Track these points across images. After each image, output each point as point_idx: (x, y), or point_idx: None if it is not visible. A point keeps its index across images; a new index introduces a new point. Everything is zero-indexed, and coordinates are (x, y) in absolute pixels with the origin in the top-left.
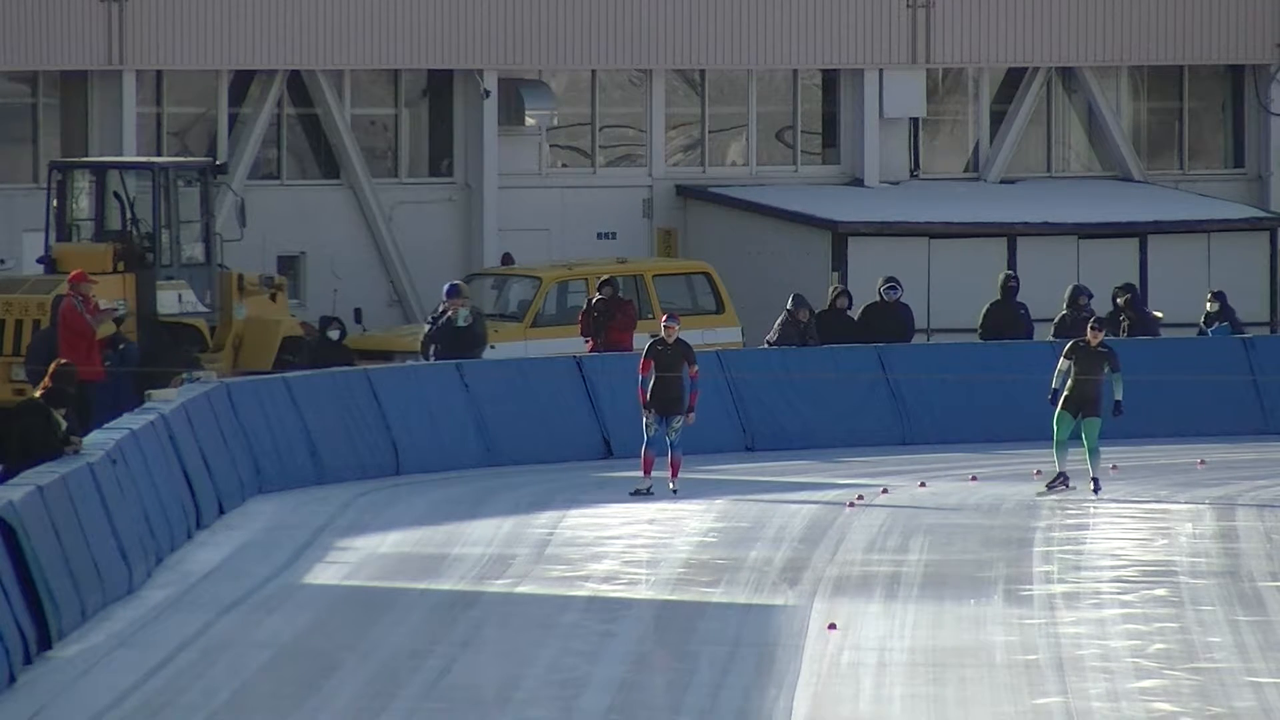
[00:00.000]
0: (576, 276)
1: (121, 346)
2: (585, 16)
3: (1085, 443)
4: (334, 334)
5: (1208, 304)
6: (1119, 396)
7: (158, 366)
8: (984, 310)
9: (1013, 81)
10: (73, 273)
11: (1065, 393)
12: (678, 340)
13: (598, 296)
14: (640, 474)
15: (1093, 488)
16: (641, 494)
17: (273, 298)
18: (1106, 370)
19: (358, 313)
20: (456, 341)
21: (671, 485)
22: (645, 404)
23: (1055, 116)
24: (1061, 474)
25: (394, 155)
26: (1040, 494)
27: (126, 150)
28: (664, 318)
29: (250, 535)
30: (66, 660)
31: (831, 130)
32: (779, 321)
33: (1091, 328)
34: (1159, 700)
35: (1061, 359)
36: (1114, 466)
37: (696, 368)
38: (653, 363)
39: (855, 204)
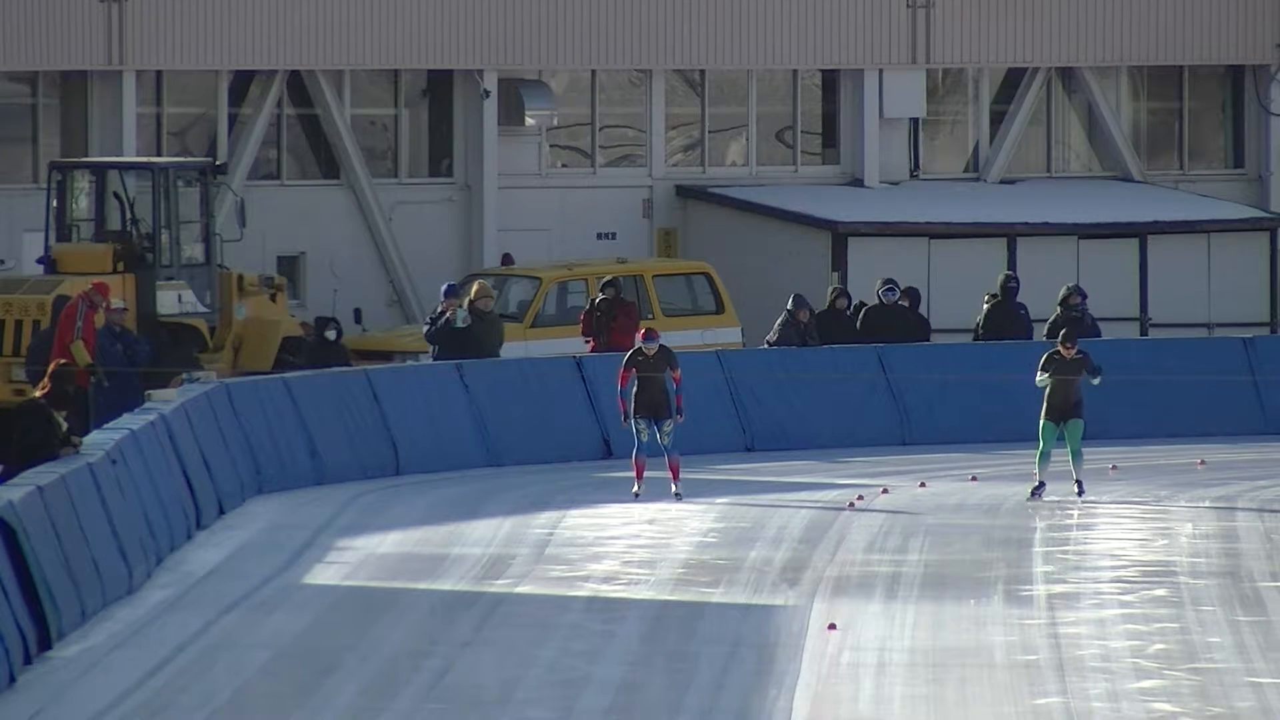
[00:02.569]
0: (576, 277)
1: (122, 347)
2: (585, 16)
3: (1069, 445)
4: (331, 334)
5: (985, 306)
6: (1096, 381)
7: (158, 366)
8: (984, 310)
9: (1013, 81)
10: (96, 282)
11: (1046, 401)
12: (660, 348)
13: (600, 297)
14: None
15: (1076, 490)
16: (639, 497)
17: (273, 298)
18: (1084, 374)
19: (357, 313)
20: (455, 342)
21: (674, 489)
22: (625, 413)
23: (1055, 116)
24: (1041, 483)
25: (394, 155)
26: (1028, 500)
27: (126, 150)
28: (641, 335)
29: (250, 535)
30: (66, 660)
31: (831, 130)
32: (779, 322)
33: (1063, 344)
34: (1159, 700)
35: (1038, 373)
36: (1114, 467)
37: (679, 371)
38: (633, 371)
39: (855, 204)
